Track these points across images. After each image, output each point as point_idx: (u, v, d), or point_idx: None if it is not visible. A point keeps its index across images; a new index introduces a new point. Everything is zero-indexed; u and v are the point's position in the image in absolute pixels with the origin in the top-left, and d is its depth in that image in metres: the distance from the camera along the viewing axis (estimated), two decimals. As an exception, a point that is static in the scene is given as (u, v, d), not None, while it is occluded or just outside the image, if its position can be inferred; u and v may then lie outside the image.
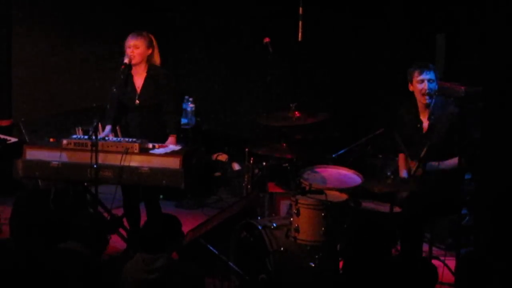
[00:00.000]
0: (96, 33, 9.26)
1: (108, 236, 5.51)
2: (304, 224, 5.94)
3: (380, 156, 7.83)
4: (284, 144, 6.91)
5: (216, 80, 9.47)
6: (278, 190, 6.99)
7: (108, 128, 6.88)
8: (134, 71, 6.85)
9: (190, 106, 9.14)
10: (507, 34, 5.38)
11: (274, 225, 6.14)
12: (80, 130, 8.44)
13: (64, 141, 6.57)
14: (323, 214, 5.90)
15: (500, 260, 5.08)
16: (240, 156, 8.20)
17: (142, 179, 6.41)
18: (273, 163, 7.28)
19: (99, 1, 9.26)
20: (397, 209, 6.03)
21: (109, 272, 5.18)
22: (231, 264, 6.11)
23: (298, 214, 5.95)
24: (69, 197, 6.73)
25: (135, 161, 6.43)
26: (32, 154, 6.59)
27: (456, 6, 7.90)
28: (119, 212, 7.05)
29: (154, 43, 6.90)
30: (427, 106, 6.35)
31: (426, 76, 6.29)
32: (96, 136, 6.36)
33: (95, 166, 6.35)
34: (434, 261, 6.27)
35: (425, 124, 6.40)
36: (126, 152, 6.42)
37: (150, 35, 6.88)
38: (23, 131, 8.52)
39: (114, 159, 6.43)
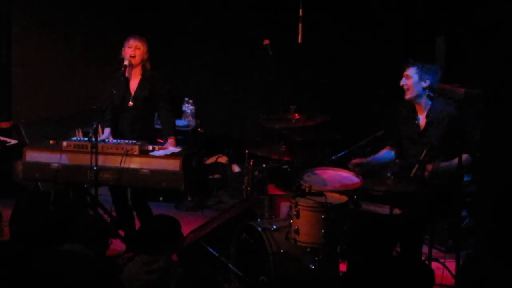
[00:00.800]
0: (96, 35, 9.26)
1: (109, 241, 5.51)
2: (304, 226, 5.94)
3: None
4: (284, 146, 6.92)
5: (216, 82, 9.48)
6: (278, 192, 6.98)
7: (107, 130, 6.89)
8: (129, 73, 6.89)
9: (190, 108, 9.14)
10: (507, 36, 5.38)
11: (274, 227, 6.14)
12: (80, 132, 8.44)
13: (64, 143, 6.57)
14: (323, 216, 5.90)
15: (500, 261, 5.07)
16: (240, 158, 8.20)
17: (142, 181, 6.41)
18: (273, 165, 7.28)
19: (98, 3, 9.26)
20: (397, 211, 6.02)
21: (109, 274, 5.18)
22: (231, 266, 6.10)
23: (298, 216, 5.95)
24: (69, 199, 6.73)
25: (135, 163, 6.44)
26: (32, 156, 6.60)
27: (456, 9, 7.91)
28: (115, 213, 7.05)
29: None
30: (421, 103, 6.38)
31: (406, 71, 6.35)
32: (96, 138, 6.36)
33: (95, 168, 6.35)
34: (434, 263, 6.27)
35: (422, 122, 6.41)
36: (126, 154, 6.43)
37: None
38: (23, 133, 8.52)
39: (114, 161, 6.44)
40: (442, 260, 6.32)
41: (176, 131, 7.06)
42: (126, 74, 6.87)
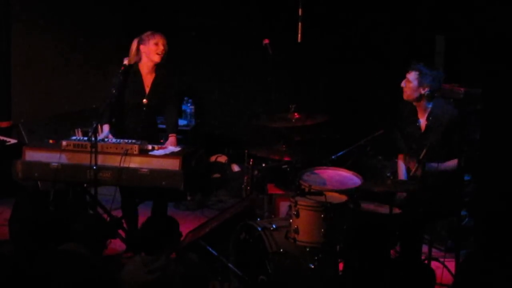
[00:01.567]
0: (96, 34, 9.26)
1: (107, 240, 5.51)
2: (304, 225, 5.94)
3: (380, 157, 7.84)
4: (284, 146, 6.92)
5: (215, 81, 9.48)
6: (278, 191, 6.98)
7: (106, 127, 6.88)
8: (143, 70, 6.88)
9: (189, 108, 9.15)
10: (506, 35, 5.38)
11: (274, 226, 6.14)
12: (79, 131, 8.44)
13: (64, 143, 6.57)
14: (322, 216, 5.90)
15: (500, 261, 5.07)
16: (240, 158, 8.20)
17: (141, 180, 6.41)
18: (272, 165, 7.28)
19: (99, 2, 9.26)
20: (396, 211, 6.03)
21: (108, 273, 5.18)
22: (230, 265, 6.11)
23: (297, 215, 5.95)
24: (68, 198, 6.73)
25: (135, 162, 6.43)
26: (32, 155, 6.59)
27: (455, 8, 7.91)
28: (119, 213, 7.06)
29: None
30: (421, 105, 6.39)
31: (407, 74, 6.38)
32: (96, 138, 6.36)
33: (94, 167, 6.35)
34: (434, 263, 6.27)
35: (423, 123, 6.42)
36: (126, 153, 6.43)
37: None
38: (23, 132, 8.52)
39: (113, 161, 6.43)
40: (441, 260, 6.32)
41: (178, 129, 7.08)
42: (141, 72, 6.85)
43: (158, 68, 6.90)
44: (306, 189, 6.20)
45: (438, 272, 6.15)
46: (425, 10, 8.22)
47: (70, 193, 6.75)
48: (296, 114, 6.89)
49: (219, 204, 8.58)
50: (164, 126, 7.12)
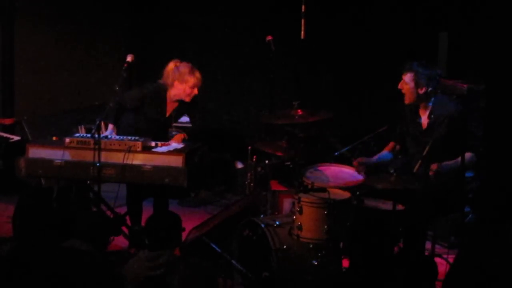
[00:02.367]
0: (98, 32, 9.27)
1: (110, 238, 5.51)
2: (307, 222, 5.94)
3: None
4: (287, 142, 6.91)
5: (218, 78, 9.47)
6: (281, 188, 6.98)
7: (110, 127, 6.89)
8: (170, 97, 6.88)
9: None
10: (509, 32, 5.38)
11: (277, 223, 6.15)
12: (83, 128, 8.45)
13: (67, 140, 6.57)
14: (325, 212, 5.90)
15: (501, 256, 5.08)
16: (243, 154, 8.20)
17: (145, 177, 6.41)
18: (275, 161, 7.28)
19: (101, 1, 9.27)
20: (400, 207, 6.02)
21: (112, 270, 5.19)
22: (234, 262, 6.11)
23: (301, 212, 5.95)
24: (72, 195, 6.73)
25: (138, 159, 6.43)
26: (35, 152, 6.59)
27: (458, 4, 7.90)
28: (122, 210, 7.06)
29: None
30: (422, 103, 6.39)
31: (403, 76, 6.38)
32: (99, 134, 6.37)
33: (98, 164, 6.35)
34: (437, 259, 6.27)
35: (425, 121, 6.41)
36: (129, 150, 6.43)
37: None
38: (26, 129, 8.54)
39: (117, 157, 6.44)
40: (445, 256, 6.32)
41: (190, 132, 7.07)
42: (167, 96, 6.89)
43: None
44: (309, 186, 6.20)
45: (441, 268, 6.14)
46: (428, 7, 8.21)
47: (74, 190, 6.76)
48: (299, 110, 6.89)
49: (223, 201, 8.58)
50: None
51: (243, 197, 7.46)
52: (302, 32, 8.26)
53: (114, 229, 6.57)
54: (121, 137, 6.63)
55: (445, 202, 6.23)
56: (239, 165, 8.93)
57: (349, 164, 6.70)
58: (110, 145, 6.48)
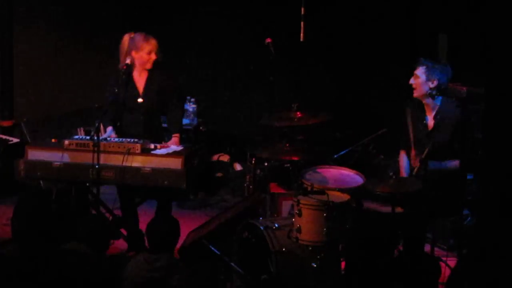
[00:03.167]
0: (97, 34, 9.26)
1: (110, 241, 5.51)
2: (306, 224, 5.93)
3: (382, 156, 7.83)
4: (286, 145, 6.91)
5: (218, 80, 9.48)
6: (280, 190, 6.98)
7: (109, 129, 6.87)
8: (135, 72, 6.86)
9: (192, 107, 9.14)
10: (509, 34, 5.37)
11: (276, 225, 6.14)
12: (82, 130, 8.44)
13: (66, 142, 6.56)
14: (325, 215, 5.89)
15: (502, 259, 5.07)
16: (242, 157, 8.20)
17: (143, 179, 6.40)
18: (275, 164, 7.27)
19: (100, 2, 9.27)
20: (399, 210, 6.02)
21: (111, 272, 5.18)
22: (233, 264, 6.10)
23: (300, 214, 5.95)
24: (71, 197, 6.73)
25: (137, 161, 6.43)
26: (34, 154, 6.59)
27: (458, 6, 7.90)
28: (120, 212, 7.05)
29: None
30: (428, 102, 6.39)
31: (415, 71, 6.38)
32: (98, 137, 6.36)
33: (97, 166, 6.35)
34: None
35: (430, 122, 6.41)
36: (128, 152, 6.42)
37: None
38: (25, 131, 8.53)
39: (116, 160, 6.43)
40: (444, 259, 6.31)
41: (182, 129, 7.05)
42: (132, 73, 6.84)
43: (151, 69, 6.87)
44: (309, 188, 6.20)
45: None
46: (428, 8, 8.21)
47: (73, 192, 6.75)
48: (298, 113, 6.88)
49: (222, 203, 8.58)
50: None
51: (242, 200, 7.45)
52: (302, 35, 8.26)
53: (114, 232, 6.57)
54: (120, 139, 6.62)
55: (444, 205, 6.23)
56: (238, 167, 8.93)
57: (349, 166, 6.70)
58: (109, 147, 6.47)
